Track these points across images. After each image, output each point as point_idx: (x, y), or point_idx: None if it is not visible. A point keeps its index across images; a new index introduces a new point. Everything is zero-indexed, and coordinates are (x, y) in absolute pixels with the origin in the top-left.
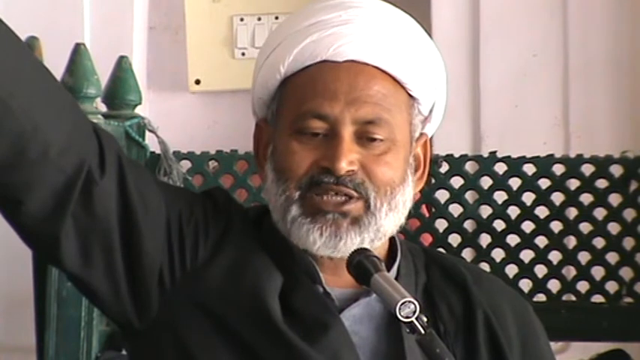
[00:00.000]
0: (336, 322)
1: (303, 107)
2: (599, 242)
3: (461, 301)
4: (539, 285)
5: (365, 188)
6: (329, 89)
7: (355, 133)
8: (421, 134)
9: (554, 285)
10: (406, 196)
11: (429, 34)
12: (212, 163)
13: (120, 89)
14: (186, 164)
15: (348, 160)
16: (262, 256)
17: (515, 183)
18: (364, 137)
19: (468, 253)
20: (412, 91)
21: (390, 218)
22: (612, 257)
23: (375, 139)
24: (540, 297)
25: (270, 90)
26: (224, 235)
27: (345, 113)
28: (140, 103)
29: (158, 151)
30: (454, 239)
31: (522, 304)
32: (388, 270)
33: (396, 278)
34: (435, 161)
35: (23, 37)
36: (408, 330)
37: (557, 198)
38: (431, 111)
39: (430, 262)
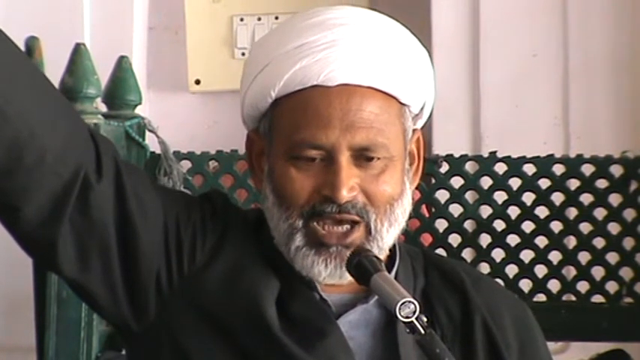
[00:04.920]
0: (333, 328)
1: (297, 136)
2: (599, 242)
3: (459, 305)
4: (539, 285)
5: (366, 212)
6: (322, 116)
7: (352, 156)
8: (413, 131)
9: (554, 285)
10: (405, 205)
11: (429, 35)
12: (212, 163)
13: (120, 89)
14: (186, 164)
15: (349, 186)
16: (260, 260)
17: (515, 183)
18: (361, 158)
19: (468, 253)
20: (403, 99)
21: (390, 234)
22: (612, 257)
23: (372, 159)
24: (540, 297)
25: (261, 110)
26: (222, 239)
27: (341, 140)
28: (140, 103)
29: (158, 151)
30: (454, 239)
31: (521, 308)
32: None
33: None
34: (435, 161)
35: (23, 37)
36: (407, 330)
37: (557, 198)
38: (421, 109)
39: (429, 265)
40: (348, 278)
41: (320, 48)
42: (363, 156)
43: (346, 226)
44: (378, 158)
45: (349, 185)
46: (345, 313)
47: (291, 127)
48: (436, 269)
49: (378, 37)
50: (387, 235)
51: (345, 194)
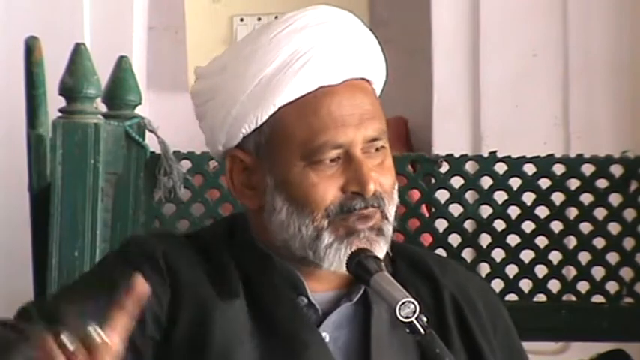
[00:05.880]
0: (315, 339)
1: (317, 140)
2: (599, 242)
3: (429, 290)
4: (539, 285)
5: (383, 200)
6: (337, 117)
7: (362, 149)
8: None
9: (554, 285)
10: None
11: (429, 35)
12: (212, 163)
13: (120, 89)
14: (186, 164)
15: (373, 180)
16: (227, 287)
17: (515, 183)
18: (369, 149)
19: (468, 253)
20: (376, 85)
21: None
22: (612, 257)
23: (378, 148)
24: (540, 297)
25: (256, 124)
26: (176, 292)
27: (357, 135)
28: (140, 103)
29: (158, 151)
30: (454, 239)
31: (486, 287)
32: None
33: None
34: (435, 161)
35: (23, 37)
36: (408, 330)
37: (557, 198)
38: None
39: (396, 255)
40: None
41: (316, 50)
42: (371, 147)
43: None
44: (383, 147)
45: (373, 178)
46: (330, 315)
47: (306, 132)
48: (404, 259)
49: (353, 30)
50: (393, 219)
51: (371, 188)
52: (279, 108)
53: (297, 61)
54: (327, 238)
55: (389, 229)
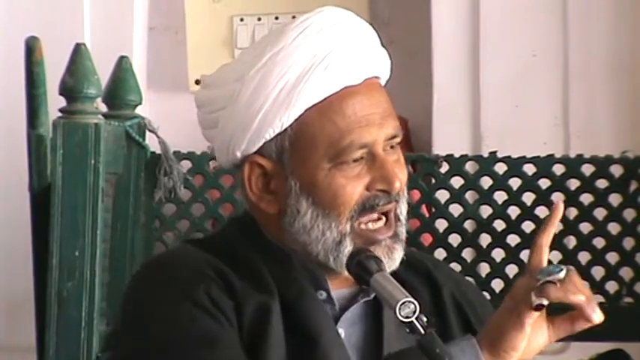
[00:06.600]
0: (335, 336)
1: (343, 141)
2: (599, 242)
3: (426, 286)
4: None
5: (399, 197)
6: (361, 116)
7: (382, 147)
8: None
9: None
10: None
11: (429, 35)
12: (212, 163)
13: (120, 89)
14: (186, 164)
15: (398, 177)
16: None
17: (515, 183)
18: (387, 147)
19: (468, 253)
20: (382, 80)
21: None
22: (612, 257)
23: (394, 146)
24: None
25: (281, 128)
26: (234, 298)
27: (380, 134)
28: (140, 103)
29: (158, 151)
30: (454, 239)
31: (475, 287)
32: None
33: None
34: (435, 161)
35: (23, 37)
36: (407, 330)
37: (557, 198)
38: None
39: None
40: (393, 267)
41: (336, 51)
42: (389, 144)
43: (383, 220)
44: (398, 144)
45: (397, 175)
46: (346, 311)
47: (333, 133)
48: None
49: (363, 29)
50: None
51: (398, 185)
52: (305, 110)
53: (320, 63)
54: (348, 245)
55: (402, 231)
